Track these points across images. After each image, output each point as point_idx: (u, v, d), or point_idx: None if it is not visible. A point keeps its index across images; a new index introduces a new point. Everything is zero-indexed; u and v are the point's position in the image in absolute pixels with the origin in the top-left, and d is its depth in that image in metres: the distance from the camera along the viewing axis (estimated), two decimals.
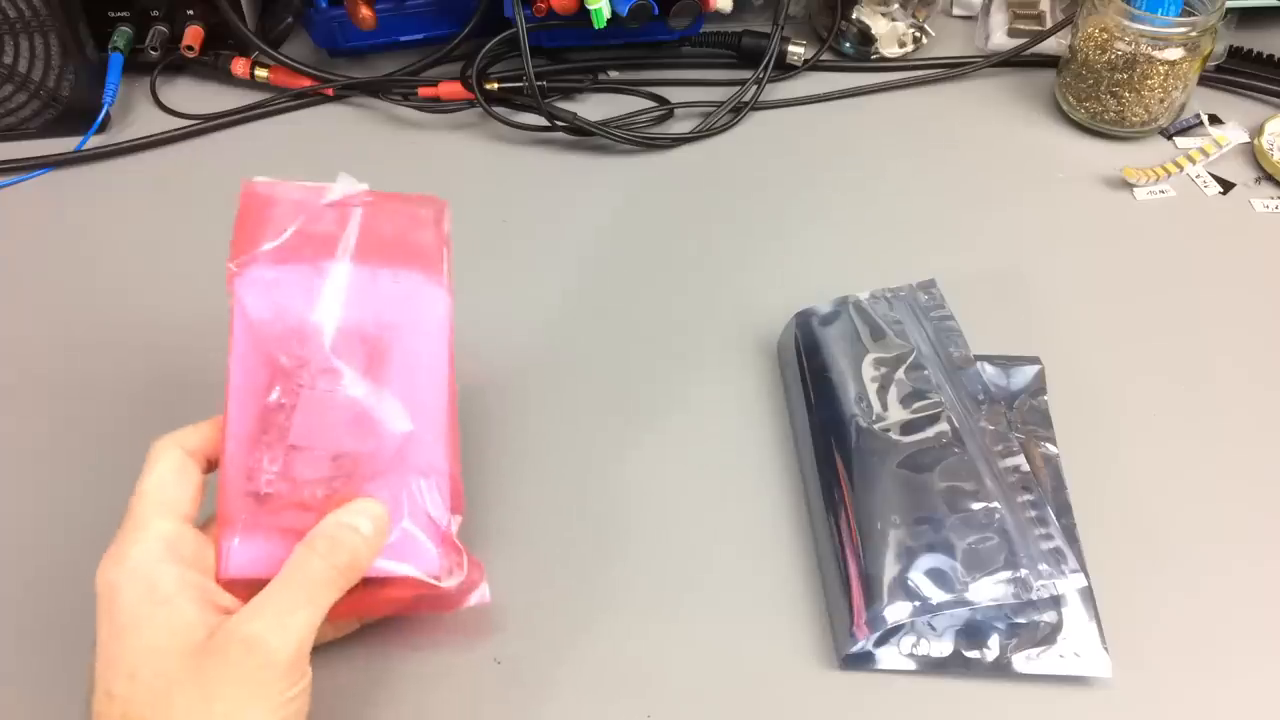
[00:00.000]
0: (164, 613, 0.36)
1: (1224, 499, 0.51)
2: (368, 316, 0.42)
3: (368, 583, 0.39)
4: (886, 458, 0.48)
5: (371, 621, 0.45)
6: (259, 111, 0.72)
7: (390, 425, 0.41)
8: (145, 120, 0.71)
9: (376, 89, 0.73)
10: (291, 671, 0.36)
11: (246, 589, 0.38)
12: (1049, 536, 0.45)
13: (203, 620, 0.36)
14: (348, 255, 0.42)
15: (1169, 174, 0.67)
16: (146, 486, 0.38)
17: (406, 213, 0.44)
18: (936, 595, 0.44)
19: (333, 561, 0.37)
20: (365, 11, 0.69)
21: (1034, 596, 0.43)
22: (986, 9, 0.78)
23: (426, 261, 0.44)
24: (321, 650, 0.43)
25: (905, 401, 0.50)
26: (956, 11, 0.80)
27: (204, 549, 0.39)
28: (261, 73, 0.72)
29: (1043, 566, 0.44)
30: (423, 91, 0.72)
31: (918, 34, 0.76)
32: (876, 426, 0.49)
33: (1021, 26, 0.76)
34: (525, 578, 0.48)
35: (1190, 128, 0.71)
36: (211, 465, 0.41)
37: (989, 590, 0.43)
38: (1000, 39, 0.76)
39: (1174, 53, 0.66)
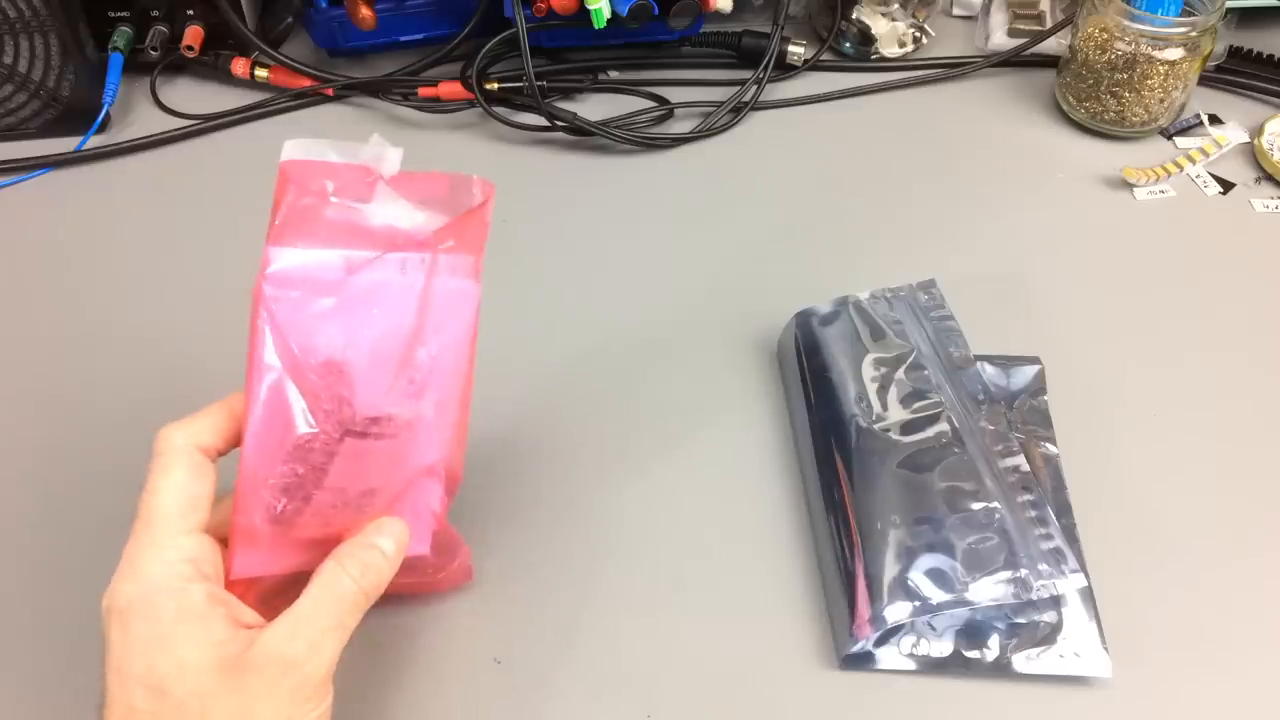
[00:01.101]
0: (199, 629, 0.35)
1: (1224, 499, 0.51)
2: (407, 322, 0.39)
3: None
4: (886, 458, 0.48)
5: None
6: (259, 111, 0.72)
7: (421, 459, 0.40)
8: (145, 120, 0.72)
9: (376, 89, 0.73)
10: (320, 690, 0.36)
11: (253, 586, 0.38)
12: (1049, 536, 0.45)
13: (232, 636, 0.35)
14: (392, 253, 0.39)
15: (1169, 174, 0.67)
16: (163, 500, 0.37)
17: (454, 199, 0.40)
18: (936, 595, 0.44)
19: (362, 585, 0.37)
20: (365, 11, 0.69)
21: (1034, 596, 0.43)
22: (986, 9, 0.78)
23: (469, 250, 0.40)
24: None
25: (905, 401, 0.50)
26: (956, 11, 0.80)
27: (219, 559, 0.38)
28: (261, 73, 0.72)
29: (1043, 566, 0.44)
30: (423, 91, 0.72)
31: (918, 34, 0.76)
32: (876, 426, 0.49)
33: (1021, 26, 0.76)
34: (525, 578, 0.48)
35: (1190, 128, 0.71)
36: (223, 452, 0.40)
37: (989, 590, 0.43)
38: (1000, 39, 0.76)
39: (1174, 53, 0.66)
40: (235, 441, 0.39)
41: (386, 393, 0.39)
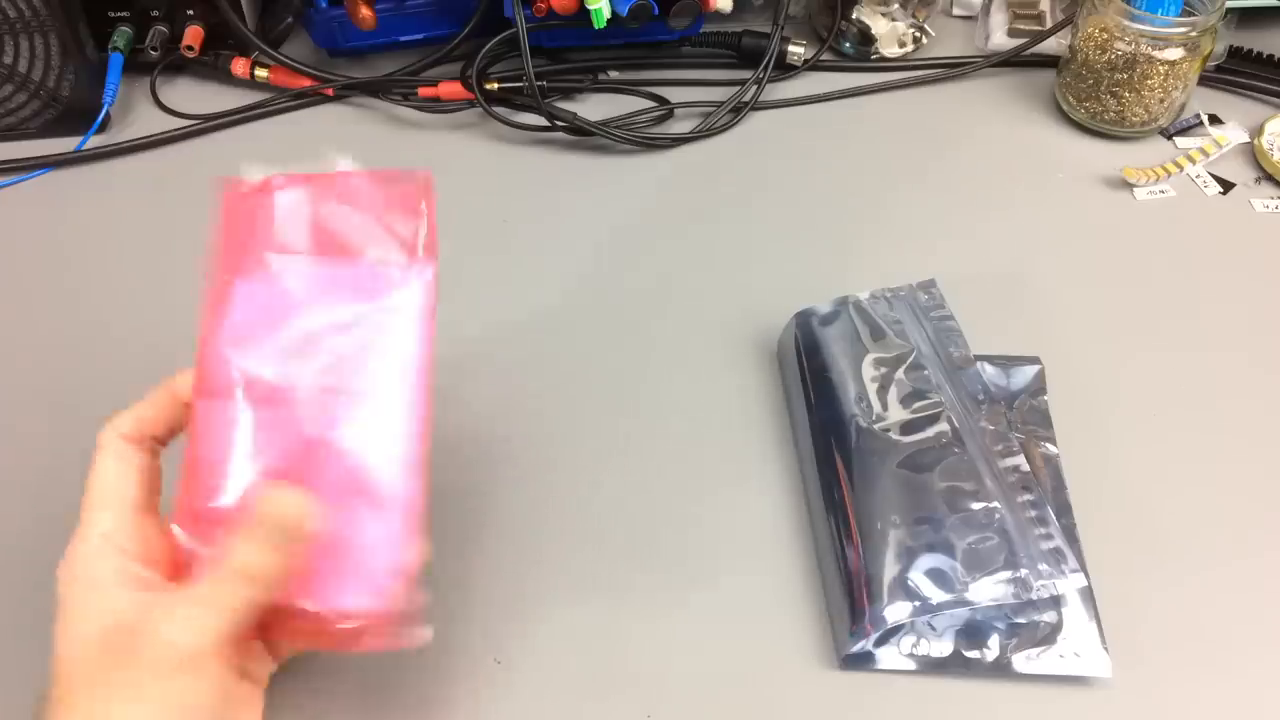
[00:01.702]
0: (95, 599, 0.36)
1: (1224, 499, 0.51)
2: (337, 326, 0.39)
3: (302, 613, 0.38)
4: (886, 458, 0.48)
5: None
6: (259, 111, 0.72)
7: (351, 461, 0.38)
8: (145, 120, 0.72)
9: (376, 89, 0.73)
10: (206, 667, 0.35)
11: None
12: (1049, 536, 0.45)
13: (130, 607, 0.36)
14: (321, 254, 0.40)
15: (1169, 174, 0.67)
16: (89, 483, 0.39)
17: (379, 195, 0.41)
18: (936, 595, 0.44)
19: (244, 563, 0.36)
20: (365, 11, 0.69)
21: (1034, 596, 0.43)
22: (986, 9, 0.78)
23: (402, 248, 0.40)
24: (319, 653, 0.43)
25: (905, 401, 0.50)
26: (956, 11, 0.80)
27: (149, 536, 0.38)
28: (261, 73, 0.72)
29: (1043, 566, 0.44)
30: (423, 91, 0.72)
31: (918, 34, 0.76)
32: (876, 426, 0.49)
33: (1021, 26, 0.76)
34: (525, 578, 0.48)
35: (1190, 128, 0.71)
36: (163, 440, 0.41)
37: (989, 590, 0.43)
38: (1000, 39, 0.76)
39: (1174, 53, 0.66)
40: (170, 424, 0.40)
41: (301, 378, 0.39)
